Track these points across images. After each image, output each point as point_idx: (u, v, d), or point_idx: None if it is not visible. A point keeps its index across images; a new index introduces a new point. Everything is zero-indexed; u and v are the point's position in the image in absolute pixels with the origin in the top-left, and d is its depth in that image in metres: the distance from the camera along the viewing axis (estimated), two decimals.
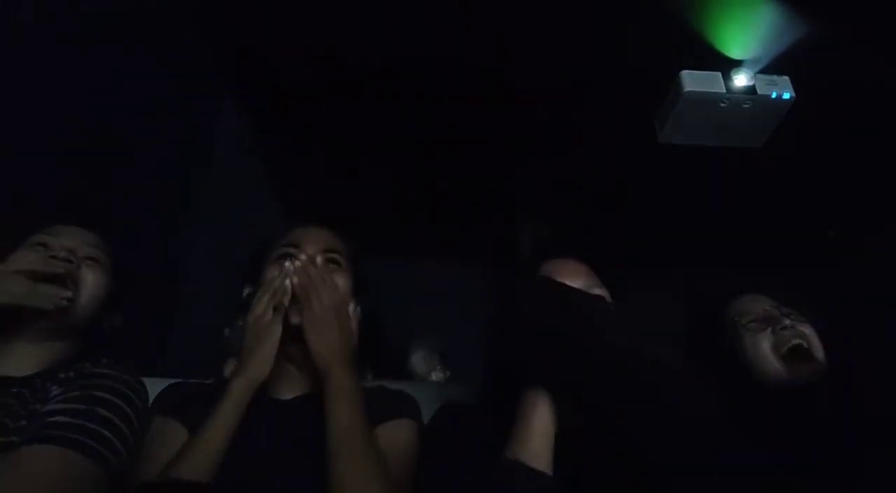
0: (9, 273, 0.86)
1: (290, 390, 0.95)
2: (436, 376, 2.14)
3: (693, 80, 2.11)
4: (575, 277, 0.97)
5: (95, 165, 1.70)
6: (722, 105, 2.14)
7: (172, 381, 1.01)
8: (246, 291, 1.02)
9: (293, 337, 0.92)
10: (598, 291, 0.97)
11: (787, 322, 1.06)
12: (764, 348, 1.05)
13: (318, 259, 0.97)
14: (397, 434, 0.89)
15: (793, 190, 2.94)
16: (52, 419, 0.76)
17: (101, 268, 0.97)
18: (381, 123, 2.69)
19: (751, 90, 2.13)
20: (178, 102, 2.23)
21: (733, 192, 2.95)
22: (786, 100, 2.13)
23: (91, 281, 0.94)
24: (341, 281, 0.97)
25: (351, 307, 0.99)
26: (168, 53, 2.11)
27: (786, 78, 2.13)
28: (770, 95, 2.12)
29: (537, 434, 0.78)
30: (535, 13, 2.08)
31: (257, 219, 2.90)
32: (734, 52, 2.12)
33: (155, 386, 0.96)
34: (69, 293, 0.90)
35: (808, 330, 1.07)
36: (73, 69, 1.63)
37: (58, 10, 1.55)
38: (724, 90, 2.11)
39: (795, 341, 1.04)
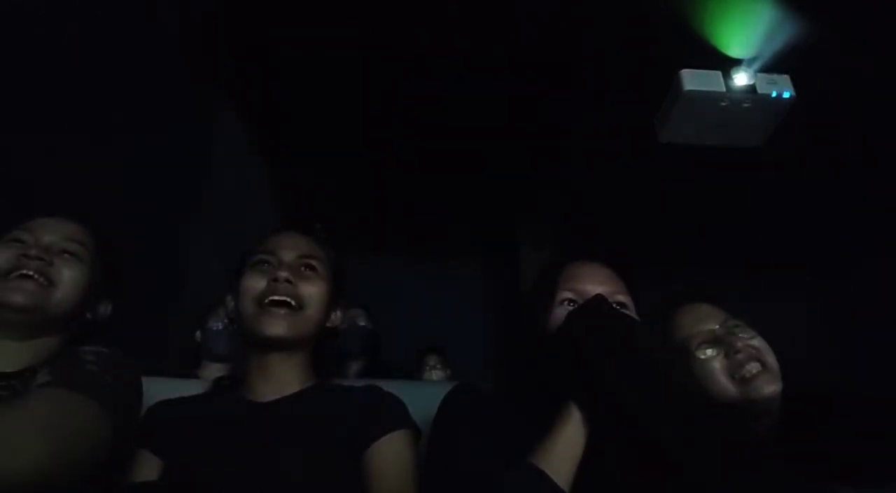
0: None
1: (270, 393, 0.95)
2: (436, 375, 2.14)
3: (693, 80, 2.10)
4: (599, 283, 0.95)
5: (95, 166, 1.70)
6: (722, 104, 2.14)
7: (172, 380, 1.02)
8: (229, 300, 1.02)
9: (269, 346, 0.95)
10: (622, 297, 0.95)
11: (740, 345, 1.01)
12: (717, 373, 1.01)
13: (292, 265, 0.97)
14: (393, 449, 0.89)
15: (793, 190, 2.94)
16: (52, 380, 0.80)
17: (80, 261, 0.95)
18: (381, 125, 2.69)
19: (751, 89, 2.12)
20: (177, 105, 2.23)
21: (733, 192, 2.95)
22: (786, 99, 2.12)
23: (67, 276, 0.92)
24: (316, 288, 0.97)
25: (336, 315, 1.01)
26: (166, 58, 2.11)
27: (786, 77, 2.13)
28: (770, 94, 2.12)
29: (565, 450, 0.79)
30: (534, 12, 2.08)
31: (257, 220, 2.90)
32: (734, 51, 2.11)
33: (155, 386, 0.96)
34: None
35: (760, 344, 1.02)
36: (73, 70, 1.63)
37: (57, 11, 1.55)
38: (725, 89, 2.11)
39: (749, 367, 0.99)
